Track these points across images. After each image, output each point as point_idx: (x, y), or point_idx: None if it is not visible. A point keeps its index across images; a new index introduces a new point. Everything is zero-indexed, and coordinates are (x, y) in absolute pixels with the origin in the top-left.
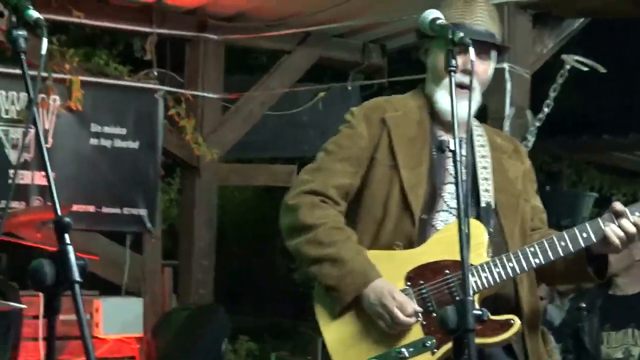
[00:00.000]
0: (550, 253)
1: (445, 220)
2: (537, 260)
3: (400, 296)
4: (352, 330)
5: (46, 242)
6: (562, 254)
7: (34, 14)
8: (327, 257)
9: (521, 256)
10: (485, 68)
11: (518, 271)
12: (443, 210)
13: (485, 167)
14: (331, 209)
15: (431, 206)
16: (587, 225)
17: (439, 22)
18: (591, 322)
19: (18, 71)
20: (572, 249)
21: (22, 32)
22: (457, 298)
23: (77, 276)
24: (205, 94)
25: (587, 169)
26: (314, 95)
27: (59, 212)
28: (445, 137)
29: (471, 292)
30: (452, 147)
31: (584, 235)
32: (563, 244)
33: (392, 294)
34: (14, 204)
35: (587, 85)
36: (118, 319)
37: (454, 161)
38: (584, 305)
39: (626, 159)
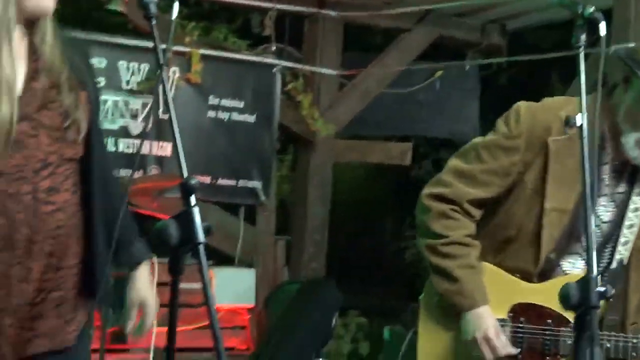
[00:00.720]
0: None
1: (574, 264)
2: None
3: (502, 338)
4: (447, 340)
5: (162, 211)
6: None
7: None
8: (442, 270)
9: (622, 343)
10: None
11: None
12: (576, 254)
13: (636, 210)
14: (460, 220)
15: (564, 248)
16: None
17: None
18: None
19: (140, 43)
20: None
21: None
22: (547, 354)
23: (202, 238)
24: (323, 70)
25: None
26: (430, 74)
27: (186, 174)
28: (610, 166)
29: (560, 352)
30: (578, 123)
31: None
32: None
33: (497, 331)
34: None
35: None
36: (230, 289)
37: (581, 138)
38: None
39: None
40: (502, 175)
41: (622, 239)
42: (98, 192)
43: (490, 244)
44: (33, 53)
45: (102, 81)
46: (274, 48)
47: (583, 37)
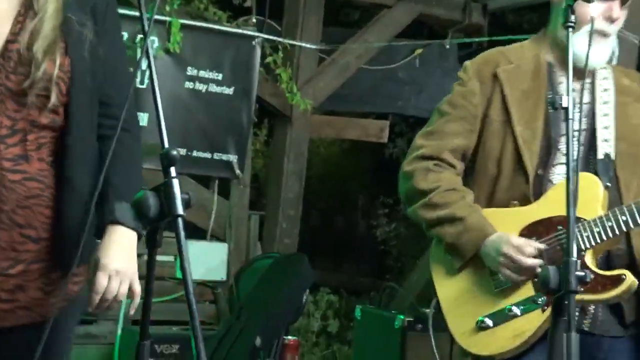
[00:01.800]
0: None
1: (562, 174)
2: None
3: (517, 240)
4: (466, 288)
5: None
6: None
7: None
8: (444, 218)
9: (635, 209)
10: (624, 15)
11: (632, 225)
12: (561, 164)
13: (606, 115)
14: (446, 172)
15: (547, 161)
16: None
17: None
18: None
19: (119, 10)
20: None
21: None
22: None
23: (180, 210)
24: (303, 44)
25: None
26: (411, 51)
27: (167, 145)
28: (563, 84)
29: (582, 247)
30: (564, 104)
31: None
32: None
33: (510, 241)
34: None
35: None
36: (202, 263)
37: (566, 119)
38: None
39: None
40: (470, 119)
41: (600, 138)
42: (77, 165)
43: (480, 193)
44: (26, 9)
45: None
46: (254, 20)
47: (573, 17)
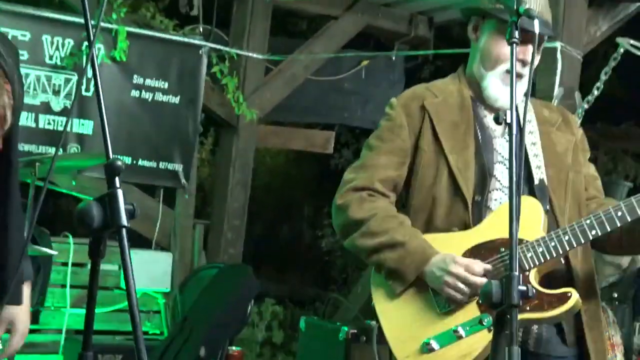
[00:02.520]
0: (607, 224)
1: (499, 200)
2: (594, 232)
3: (463, 259)
4: (409, 311)
5: (80, 191)
6: (619, 224)
7: None
8: (384, 244)
9: (577, 229)
10: (537, 60)
11: (574, 244)
12: (496, 190)
13: (534, 143)
14: (380, 200)
15: (483, 187)
16: None
17: None
18: (623, 312)
19: (65, 17)
20: (629, 217)
21: None
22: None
23: (124, 221)
24: (250, 54)
25: (624, 158)
26: (357, 62)
27: (111, 155)
28: (487, 117)
29: (526, 267)
30: (508, 120)
31: None
32: (620, 214)
33: (455, 260)
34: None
35: (626, 73)
36: (147, 272)
37: (510, 133)
38: (615, 295)
39: None
40: (398, 152)
41: (533, 165)
42: (14, 191)
43: (416, 222)
44: None
45: (24, 55)
46: (201, 29)
47: (517, 33)
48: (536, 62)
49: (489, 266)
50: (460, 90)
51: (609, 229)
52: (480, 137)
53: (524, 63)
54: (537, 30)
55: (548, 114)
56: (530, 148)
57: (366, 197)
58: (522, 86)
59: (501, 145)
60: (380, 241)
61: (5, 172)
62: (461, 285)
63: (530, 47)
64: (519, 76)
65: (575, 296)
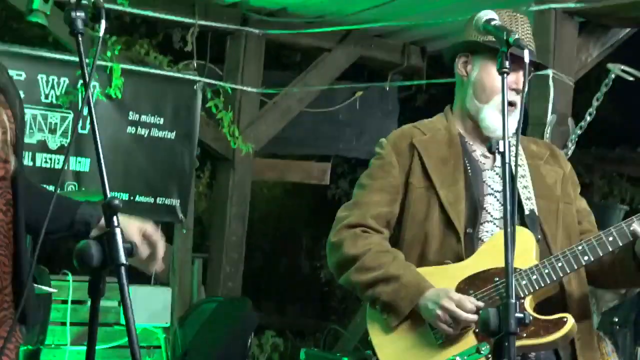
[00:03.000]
0: (599, 249)
1: (490, 231)
2: (586, 258)
3: (456, 295)
4: (407, 344)
5: None
6: (610, 249)
7: None
8: (379, 279)
9: (570, 255)
10: (526, 87)
11: (567, 270)
12: (487, 222)
13: (523, 176)
14: (374, 236)
15: (475, 220)
16: (635, 218)
17: (494, 23)
18: (624, 337)
19: (60, 56)
20: (620, 242)
21: (80, 14)
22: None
23: (123, 259)
24: (244, 88)
25: (619, 181)
26: (351, 94)
27: (108, 193)
28: (477, 152)
29: (521, 294)
30: (501, 149)
31: (631, 228)
32: (611, 239)
33: (448, 295)
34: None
35: (620, 97)
36: (146, 308)
37: (502, 162)
38: (616, 319)
39: None
40: (390, 189)
41: (523, 197)
42: (24, 211)
43: (410, 252)
44: None
45: (20, 94)
46: (195, 65)
47: (507, 63)
48: (525, 90)
49: (481, 303)
50: (447, 127)
51: (600, 254)
52: (469, 171)
53: (517, 92)
54: (526, 59)
55: (536, 148)
56: (520, 180)
57: (360, 234)
58: (516, 115)
59: (491, 178)
60: (375, 276)
61: (15, 193)
62: (450, 321)
63: (521, 74)
64: (513, 105)
65: (571, 321)
